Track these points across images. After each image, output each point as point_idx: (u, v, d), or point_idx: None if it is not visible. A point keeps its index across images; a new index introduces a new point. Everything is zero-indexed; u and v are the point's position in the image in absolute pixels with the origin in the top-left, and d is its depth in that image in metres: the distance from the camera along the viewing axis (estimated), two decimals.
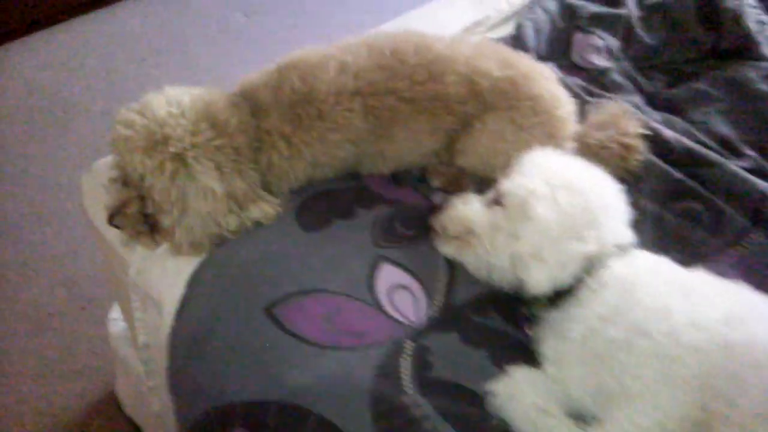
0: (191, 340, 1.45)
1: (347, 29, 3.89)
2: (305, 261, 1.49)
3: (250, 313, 1.41)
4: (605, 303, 1.30)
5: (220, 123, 1.49)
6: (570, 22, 2.11)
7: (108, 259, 1.77)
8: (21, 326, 2.57)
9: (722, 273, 1.38)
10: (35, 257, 2.80)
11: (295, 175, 1.59)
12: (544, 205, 1.33)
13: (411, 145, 1.62)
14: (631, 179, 1.66)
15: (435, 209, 1.54)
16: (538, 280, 1.34)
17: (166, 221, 1.49)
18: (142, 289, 1.60)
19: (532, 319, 1.42)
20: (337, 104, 1.54)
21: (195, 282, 1.50)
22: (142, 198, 1.49)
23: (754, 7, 2.15)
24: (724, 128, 1.86)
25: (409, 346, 1.38)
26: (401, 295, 1.46)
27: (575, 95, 1.78)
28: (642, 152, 1.70)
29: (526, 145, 1.54)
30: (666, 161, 1.72)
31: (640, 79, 2.01)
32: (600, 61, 2.02)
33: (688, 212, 1.65)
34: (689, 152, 1.74)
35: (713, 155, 1.74)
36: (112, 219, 1.53)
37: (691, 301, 1.27)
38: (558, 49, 2.06)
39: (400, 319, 1.42)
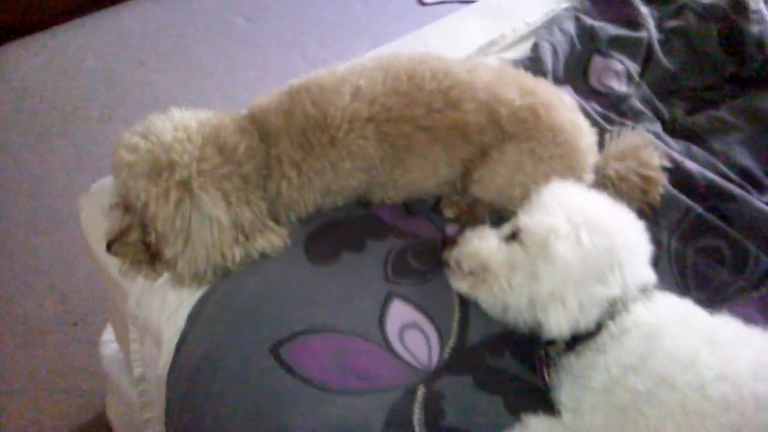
0: (191, 378, 1.38)
1: (351, 34, 3.86)
2: (313, 297, 1.42)
3: (255, 353, 1.34)
4: (628, 351, 1.24)
5: (228, 149, 1.43)
6: (589, 45, 2.05)
7: (106, 287, 1.70)
8: (11, 341, 2.50)
9: (746, 316, 1.32)
10: (27, 268, 2.72)
11: (305, 204, 1.52)
12: (566, 244, 1.27)
13: (425, 174, 1.56)
14: (650, 213, 1.61)
15: (448, 242, 1.47)
16: (558, 324, 1.28)
17: (168, 252, 1.41)
18: (141, 320, 1.53)
19: (548, 363, 1.36)
20: (350, 131, 1.47)
21: (196, 316, 1.43)
22: (143, 226, 1.42)
23: None
24: (744, 159, 1.81)
25: (421, 391, 1.31)
26: (412, 335, 1.39)
27: (594, 123, 1.72)
28: (663, 185, 1.64)
29: (545, 177, 1.49)
30: (688, 195, 1.66)
31: (660, 105, 1.95)
32: (619, 86, 1.96)
33: (711, 250, 1.59)
34: (711, 186, 1.68)
35: (736, 190, 1.68)
36: (111, 247, 1.46)
37: (718, 351, 1.21)
38: (576, 72, 2.00)
39: (412, 361, 1.36)
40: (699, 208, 1.64)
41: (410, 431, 1.26)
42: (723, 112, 1.91)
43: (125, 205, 1.44)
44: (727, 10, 2.08)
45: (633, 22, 2.11)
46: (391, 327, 1.39)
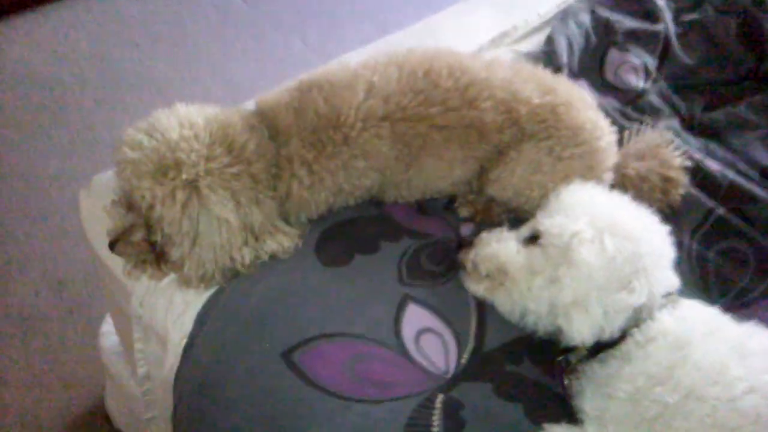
0: (200, 385, 1.34)
1: (353, 19, 3.79)
2: (326, 301, 1.37)
3: (266, 359, 1.30)
4: (654, 361, 1.21)
5: (236, 147, 1.37)
6: (605, 38, 2.00)
7: (107, 284, 1.64)
8: (5, 331, 2.44)
9: None
10: (21, 256, 2.65)
11: (316, 204, 1.47)
12: (589, 250, 1.23)
13: (441, 173, 1.51)
14: (670, 214, 1.56)
15: (464, 244, 1.43)
16: (580, 331, 1.24)
17: (175, 253, 1.36)
18: (145, 320, 1.48)
19: (568, 369, 1.32)
20: (364, 130, 1.42)
21: (204, 319, 1.39)
22: (148, 225, 1.37)
23: None
24: (764, 157, 1.77)
25: (439, 399, 1.27)
26: (429, 340, 1.35)
27: (611, 120, 1.67)
28: (684, 185, 1.60)
29: (564, 178, 1.45)
30: (709, 195, 1.62)
31: (677, 101, 1.90)
32: (637, 81, 1.91)
33: (733, 252, 1.56)
34: (733, 186, 1.65)
35: (758, 190, 1.64)
36: (115, 246, 1.40)
37: (747, 362, 1.18)
38: (591, 66, 1.95)
39: (428, 367, 1.32)
40: (720, 209, 1.61)
41: None
42: (742, 109, 1.86)
43: (128, 203, 1.38)
44: (747, 4, 2.03)
45: (650, 14, 2.05)
46: (407, 332, 1.35)
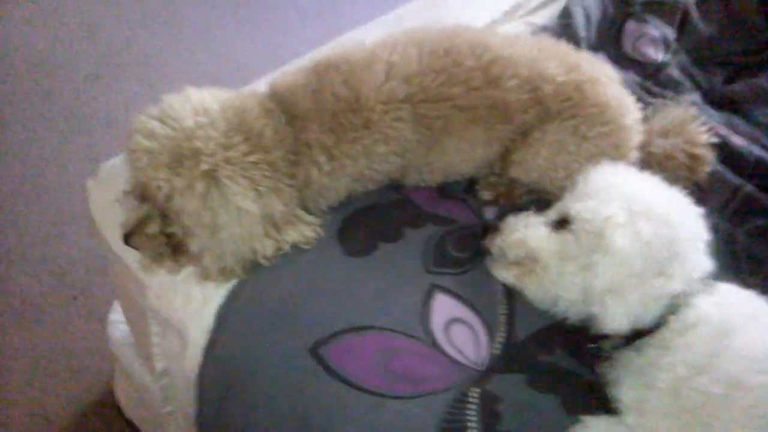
0: (225, 383, 1.30)
1: None
2: (351, 292, 1.33)
3: (295, 355, 1.26)
4: (695, 349, 1.17)
5: (254, 134, 1.31)
6: (622, 9, 1.95)
7: (120, 278, 1.59)
8: (8, 320, 2.38)
9: None
10: (19, 241, 2.58)
11: (336, 191, 1.42)
12: (623, 235, 1.19)
13: (463, 156, 1.46)
14: (697, 192, 1.52)
15: (489, 229, 1.38)
16: (616, 319, 1.21)
17: (194, 245, 1.31)
18: (162, 314, 1.43)
19: (602, 357, 1.29)
20: (385, 113, 1.36)
21: (226, 314, 1.34)
22: (163, 215, 1.31)
23: None
24: None
25: (474, 393, 1.23)
26: (459, 330, 1.32)
27: (633, 95, 1.62)
28: (711, 163, 1.56)
29: (590, 157, 1.41)
30: (735, 172, 1.58)
31: (697, 73, 1.86)
32: (656, 53, 1.86)
33: (762, 231, 1.52)
34: (760, 162, 1.61)
35: None
36: (129, 239, 1.35)
37: None
38: (608, 38, 1.90)
39: (460, 358, 1.28)
40: (748, 186, 1.57)
41: None
42: (762, 79, 1.82)
43: (142, 193, 1.33)
44: None
45: None
46: (436, 322, 1.31)
